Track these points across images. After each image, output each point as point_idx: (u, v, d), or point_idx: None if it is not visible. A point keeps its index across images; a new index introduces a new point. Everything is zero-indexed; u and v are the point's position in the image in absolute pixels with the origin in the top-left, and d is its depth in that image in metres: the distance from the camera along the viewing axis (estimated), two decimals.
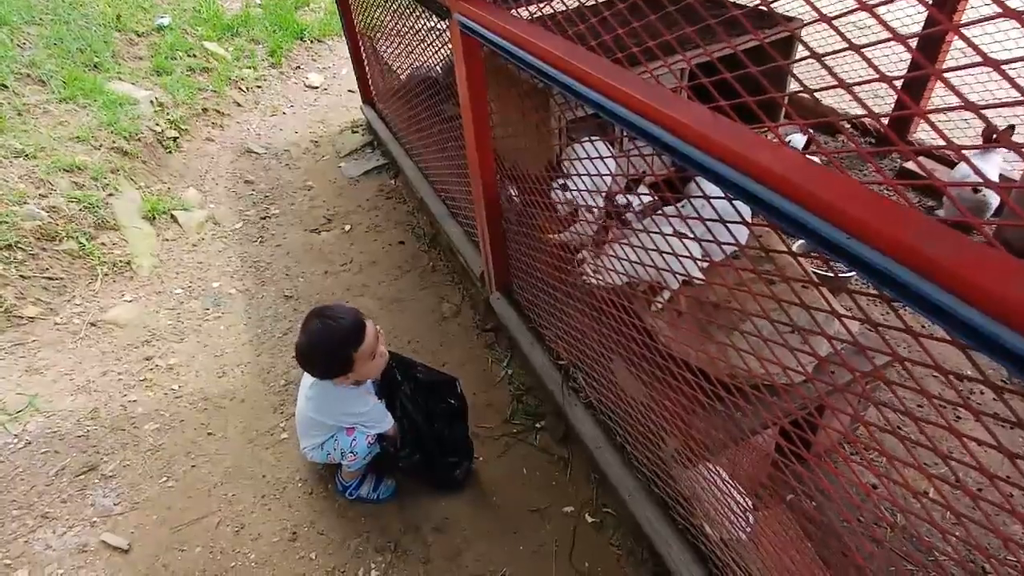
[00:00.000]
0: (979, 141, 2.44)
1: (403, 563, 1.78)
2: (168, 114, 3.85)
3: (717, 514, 1.43)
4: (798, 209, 0.76)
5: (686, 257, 1.30)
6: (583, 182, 1.75)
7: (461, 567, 1.77)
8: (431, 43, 2.79)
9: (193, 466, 2.06)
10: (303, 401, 1.82)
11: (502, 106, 2.66)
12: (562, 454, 2.06)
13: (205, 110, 4.20)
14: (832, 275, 2.33)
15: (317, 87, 4.94)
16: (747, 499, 1.37)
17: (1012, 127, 2.50)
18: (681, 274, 1.60)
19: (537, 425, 2.16)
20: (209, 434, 2.17)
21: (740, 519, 1.34)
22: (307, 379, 1.81)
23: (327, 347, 1.61)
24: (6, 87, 3.29)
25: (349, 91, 4.89)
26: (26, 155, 2.93)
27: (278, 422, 2.22)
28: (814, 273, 2.19)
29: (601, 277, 1.81)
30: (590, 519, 1.87)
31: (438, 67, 3.04)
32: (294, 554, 1.80)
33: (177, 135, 3.81)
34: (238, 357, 2.50)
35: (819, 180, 0.75)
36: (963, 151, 0.67)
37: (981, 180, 0.72)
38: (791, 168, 0.78)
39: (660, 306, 1.72)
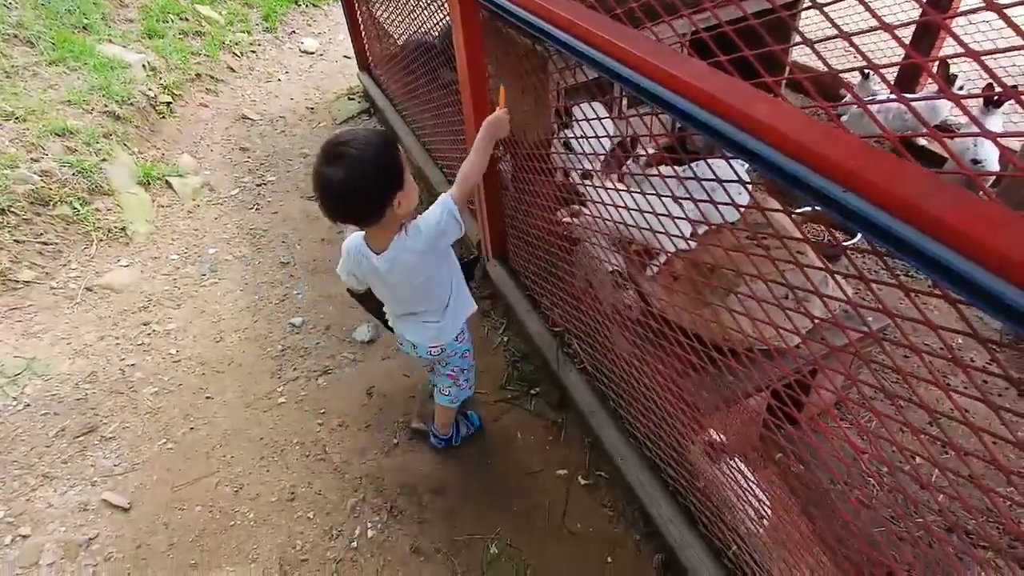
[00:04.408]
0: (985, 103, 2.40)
1: (399, 523, 1.82)
2: (161, 79, 3.79)
3: (735, 506, 1.45)
4: (799, 167, 0.75)
5: (681, 219, 1.29)
6: (586, 144, 1.72)
7: (456, 526, 1.81)
8: (429, 7, 2.73)
9: (192, 428, 2.08)
10: (391, 274, 1.41)
11: (499, 71, 2.62)
12: (556, 419, 2.08)
13: (198, 75, 4.12)
14: (833, 242, 2.32)
15: (312, 52, 4.85)
16: (764, 493, 1.39)
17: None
18: (676, 237, 1.60)
19: (532, 391, 2.18)
20: (207, 398, 2.19)
21: (755, 515, 1.36)
22: (360, 256, 1.42)
23: (376, 145, 1.24)
24: None
25: (345, 57, 4.80)
26: (16, 118, 2.88)
27: (275, 387, 2.24)
28: (816, 242, 2.19)
29: (591, 233, 1.81)
30: (583, 481, 1.90)
31: (435, 32, 2.98)
32: (292, 513, 1.83)
33: (170, 100, 3.75)
34: (235, 323, 2.50)
35: (821, 137, 0.73)
36: (965, 103, 0.65)
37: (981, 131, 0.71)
38: (793, 125, 0.76)
39: (655, 270, 1.71)
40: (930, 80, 3.00)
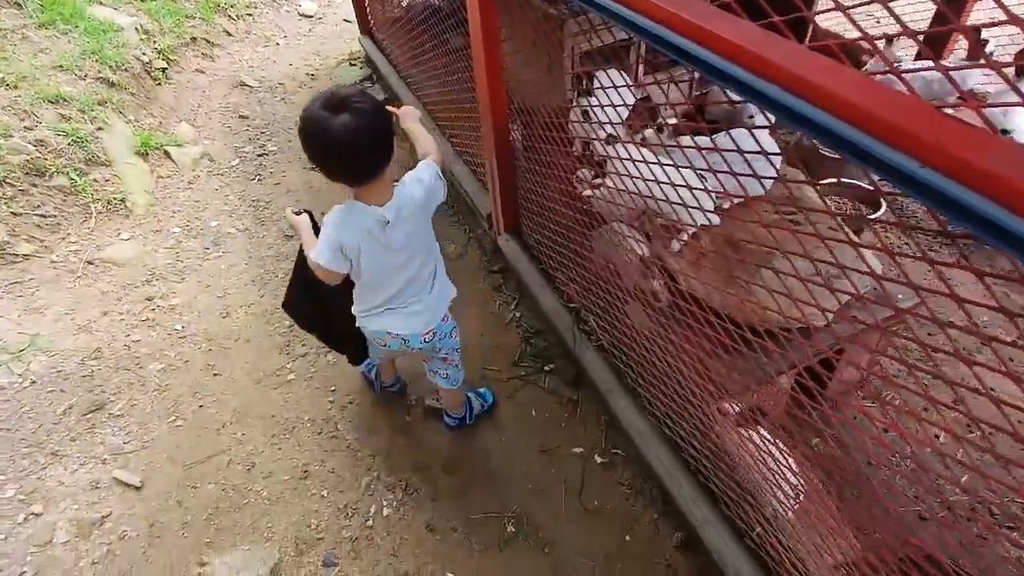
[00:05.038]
0: None
1: (413, 500, 1.80)
2: (155, 43, 3.64)
3: (760, 484, 1.42)
4: (862, 135, 0.69)
5: (700, 190, 1.23)
6: (607, 113, 1.64)
7: (470, 505, 1.79)
8: None
9: (201, 406, 2.05)
10: (396, 227, 1.36)
11: (511, 36, 2.50)
12: (571, 396, 2.05)
13: (194, 39, 3.98)
14: (860, 214, 2.26)
15: (311, 16, 4.67)
16: (797, 476, 1.35)
17: None
18: (702, 210, 1.54)
19: (546, 368, 2.15)
20: (215, 375, 2.15)
21: (787, 494, 1.33)
22: (361, 216, 1.35)
23: (379, 120, 1.25)
24: None
25: (345, 20, 4.63)
26: (7, 84, 2.77)
27: (284, 363, 2.20)
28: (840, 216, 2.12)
29: (612, 207, 1.74)
30: (599, 460, 1.88)
31: None
32: (306, 491, 1.82)
33: (166, 66, 3.61)
34: (241, 297, 2.45)
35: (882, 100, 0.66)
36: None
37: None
38: (859, 92, 0.69)
39: (680, 246, 1.65)
40: (958, 47, 2.88)
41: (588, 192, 1.73)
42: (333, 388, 2.11)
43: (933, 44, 2.97)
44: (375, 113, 1.24)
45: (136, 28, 3.61)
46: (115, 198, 2.74)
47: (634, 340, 1.73)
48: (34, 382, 2.05)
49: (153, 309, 2.36)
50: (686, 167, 1.47)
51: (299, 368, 2.18)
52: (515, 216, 2.36)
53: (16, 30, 3.10)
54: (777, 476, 1.37)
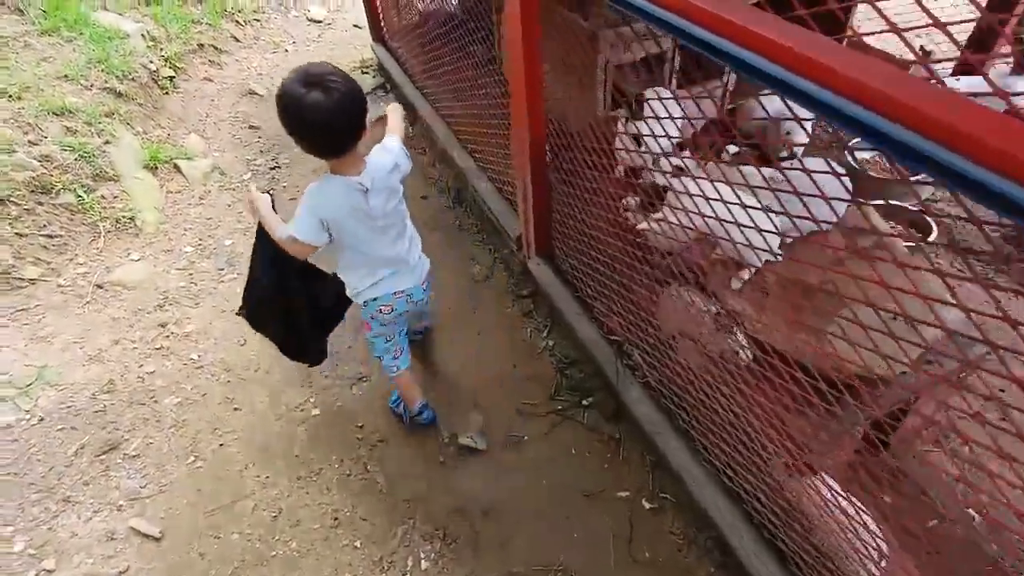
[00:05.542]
0: None
1: (452, 552, 1.69)
2: (162, 50, 3.51)
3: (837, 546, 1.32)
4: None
5: (774, 223, 1.12)
6: (662, 130, 1.52)
7: (513, 556, 1.68)
8: None
9: (221, 444, 1.93)
10: (375, 193, 1.44)
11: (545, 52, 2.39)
12: (612, 433, 1.95)
13: (201, 46, 3.85)
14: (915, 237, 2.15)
15: (320, 21, 4.55)
16: (880, 531, 1.25)
17: None
18: (764, 250, 1.43)
19: (584, 402, 2.04)
20: (235, 409, 2.03)
21: (869, 553, 1.22)
22: (342, 187, 1.41)
23: (355, 95, 1.30)
24: None
25: (355, 26, 4.51)
26: (10, 96, 2.64)
27: (307, 395, 2.08)
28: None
29: (662, 235, 1.63)
30: (647, 505, 1.78)
31: (469, 2, 2.74)
32: (338, 542, 1.70)
33: (173, 74, 3.48)
34: None
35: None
36: None
37: None
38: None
39: (741, 285, 1.55)
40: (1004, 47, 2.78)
41: (644, 226, 1.62)
42: (360, 424, 2.00)
43: (980, 42, 2.86)
44: (347, 92, 1.28)
45: (143, 35, 3.47)
46: (124, 216, 2.61)
47: (688, 382, 1.62)
48: (43, 419, 1.93)
49: (167, 336, 2.24)
50: (754, 203, 1.37)
51: (323, 401, 2.07)
52: (548, 239, 2.25)
53: (18, 37, 2.96)
54: (858, 537, 1.27)
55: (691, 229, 1.48)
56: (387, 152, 1.55)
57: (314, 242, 1.44)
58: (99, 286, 2.36)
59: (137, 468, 1.85)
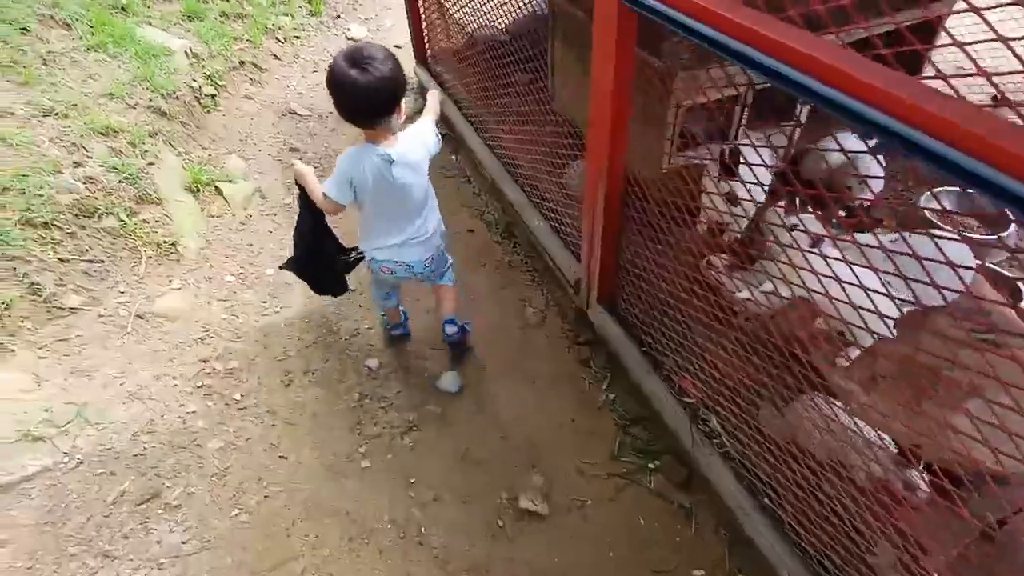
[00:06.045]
0: None
1: None
2: (204, 67, 3.46)
3: None
4: None
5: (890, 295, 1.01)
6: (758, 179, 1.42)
7: None
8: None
9: (266, 496, 1.82)
10: (401, 166, 1.66)
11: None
12: (683, 502, 1.82)
13: (242, 63, 3.80)
14: None
15: (360, 40, 4.50)
16: None
17: None
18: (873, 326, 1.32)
19: (651, 465, 1.92)
20: (281, 457, 1.93)
21: None
22: (370, 154, 1.63)
23: (390, 79, 1.50)
24: (28, 30, 2.90)
25: (396, 46, 4.45)
26: (56, 114, 2.58)
27: (356, 444, 1.98)
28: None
29: (751, 299, 1.52)
30: None
31: (531, 26, 2.66)
32: None
33: (215, 92, 3.43)
34: (303, 362, 2.23)
35: None
36: None
37: None
38: None
39: (848, 363, 1.43)
40: None
41: (745, 295, 1.51)
42: (413, 480, 1.89)
43: None
44: (382, 75, 1.48)
45: (186, 52, 3.42)
46: (166, 241, 2.53)
47: (783, 462, 1.50)
48: (81, 462, 1.82)
49: (209, 373, 2.14)
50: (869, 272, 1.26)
51: (373, 451, 1.96)
52: (612, 287, 2.14)
53: (65, 53, 2.91)
54: None
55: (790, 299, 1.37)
56: (418, 132, 1.76)
57: (340, 199, 1.68)
58: (140, 316, 2.27)
59: (178, 520, 1.74)
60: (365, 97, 1.51)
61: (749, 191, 1.54)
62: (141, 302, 2.31)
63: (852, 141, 2.03)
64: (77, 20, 3.09)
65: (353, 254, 2.05)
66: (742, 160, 1.60)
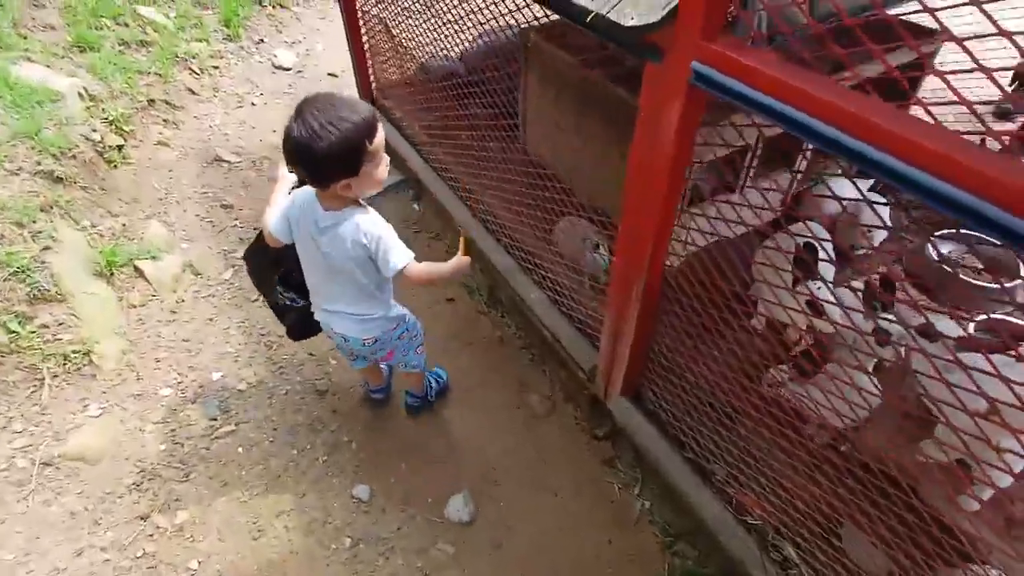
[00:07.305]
0: None
1: None
2: (105, 111, 2.87)
3: None
4: None
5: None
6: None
7: None
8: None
9: None
10: (326, 238, 1.42)
11: (587, 133, 2.02)
12: None
13: (151, 101, 3.21)
14: None
15: (289, 68, 3.98)
16: None
17: None
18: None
19: None
20: None
21: None
22: (307, 205, 1.42)
23: (342, 133, 1.23)
24: None
25: (329, 75, 3.98)
26: None
27: None
28: None
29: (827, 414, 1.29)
30: None
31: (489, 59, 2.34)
32: None
33: (121, 142, 2.85)
34: (274, 502, 1.80)
35: None
36: None
37: None
38: None
39: (979, 507, 1.22)
40: None
41: (839, 424, 1.25)
42: None
43: None
44: (330, 140, 1.23)
45: (80, 93, 2.82)
46: (74, 351, 2.00)
47: None
48: None
49: (151, 535, 1.67)
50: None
51: None
52: (637, 379, 1.87)
53: None
54: None
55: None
56: (363, 235, 1.40)
57: (274, 233, 1.49)
58: (47, 463, 1.75)
59: None
60: (297, 151, 1.27)
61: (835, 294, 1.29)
62: (47, 443, 1.79)
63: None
64: None
65: (299, 299, 1.70)
66: (820, 251, 1.35)
